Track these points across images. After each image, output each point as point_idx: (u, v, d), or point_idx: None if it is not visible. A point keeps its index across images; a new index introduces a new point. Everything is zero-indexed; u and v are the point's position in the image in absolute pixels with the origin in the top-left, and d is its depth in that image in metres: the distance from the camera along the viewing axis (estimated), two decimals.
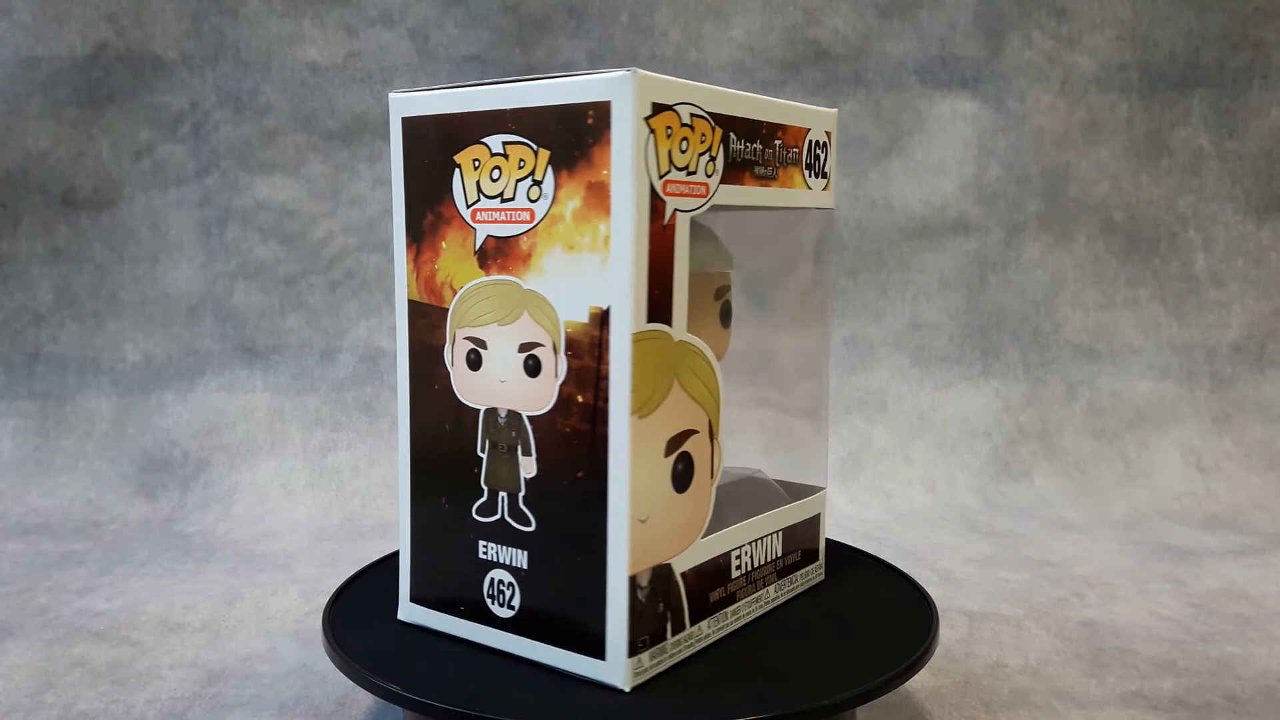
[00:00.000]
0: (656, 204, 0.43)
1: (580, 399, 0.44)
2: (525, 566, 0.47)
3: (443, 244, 0.47)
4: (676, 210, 0.43)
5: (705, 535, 0.47)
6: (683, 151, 0.44)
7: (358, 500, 0.98)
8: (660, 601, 0.45)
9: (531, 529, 0.46)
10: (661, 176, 0.43)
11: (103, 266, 1.05)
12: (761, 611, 0.52)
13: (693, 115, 0.44)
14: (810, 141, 0.52)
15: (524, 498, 0.46)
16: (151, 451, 1.02)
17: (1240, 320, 1.10)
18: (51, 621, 0.71)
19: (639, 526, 0.44)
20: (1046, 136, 1.08)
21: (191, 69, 1.03)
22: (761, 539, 0.52)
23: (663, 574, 0.45)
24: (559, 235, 0.43)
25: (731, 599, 0.50)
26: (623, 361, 0.42)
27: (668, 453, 0.45)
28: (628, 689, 0.44)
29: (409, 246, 0.49)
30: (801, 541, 0.55)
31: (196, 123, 1.04)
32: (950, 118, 1.08)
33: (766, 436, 0.60)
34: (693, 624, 0.47)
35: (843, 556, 0.62)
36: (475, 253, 0.46)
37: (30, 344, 1.05)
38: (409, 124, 0.48)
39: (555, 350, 0.44)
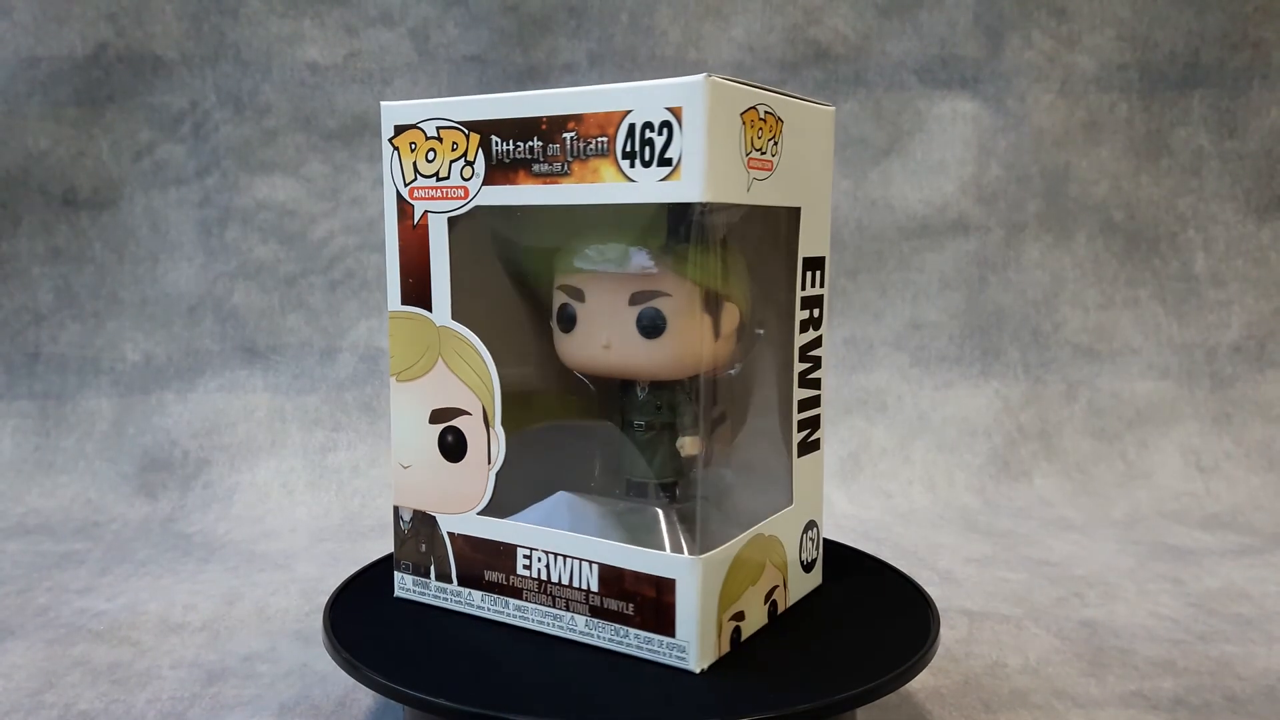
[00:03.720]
0: (405, 207, 0.51)
1: None
2: None
3: None
4: (428, 211, 0.51)
5: (483, 513, 0.52)
6: (429, 160, 0.50)
7: (358, 500, 0.98)
8: (423, 542, 0.54)
9: None
10: (408, 184, 0.51)
11: (103, 266, 1.05)
12: (565, 635, 0.50)
13: (439, 128, 0.50)
14: (629, 125, 0.45)
15: None
16: (152, 451, 1.02)
17: (1240, 320, 1.10)
18: (52, 621, 0.71)
19: (399, 469, 0.54)
20: (1046, 136, 1.08)
21: (191, 69, 1.03)
22: (565, 557, 0.49)
23: (425, 520, 0.54)
24: None
25: (516, 593, 0.51)
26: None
27: (433, 421, 0.52)
28: (393, 595, 0.55)
29: None
30: (636, 596, 0.47)
31: (196, 123, 1.04)
32: (950, 118, 1.08)
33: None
34: (461, 585, 0.53)
35: (842, 556, 0.62)
36: None
37: (30, 344, 1.05)
38: None
39: None
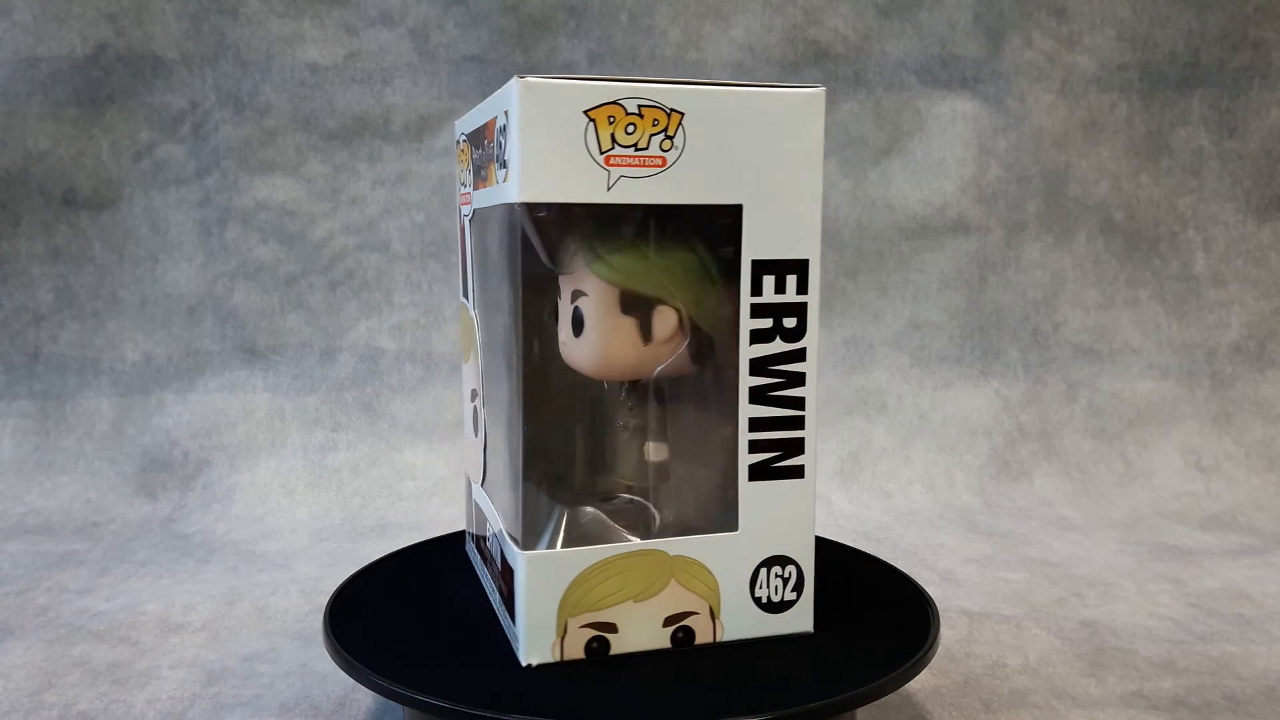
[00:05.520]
0: (459, 211, 0.58)
1: None
2: None
3: None
4: (464, 215, 0.57)
5: (482, 485, 0.56)
6: (463, 170, 0.56)
7: (358, 500, 0.98)
8: (471, 505, 0.60)
9: None
10: (460, 192, 0.58)
11: (103, 266, 1.05)
12: (496, 612, 0.52)
13: (464, 140, 0.56)
14: (498, 130, 0.46)
15: None
16: (151, 451, 1.02)
17: (1240, 320, 1.10)
18: (51, 621, 0.71)
19: (465, 438, 0.61)
20: (1046, 136, 1.08)
21: (191, 69, 1.03)
22: (495, 536, 0.52)
23: (469, 486, 0.61)
24: None
25: (487, 561, 0.55)
26: None
27: (469, 399, 0.59)
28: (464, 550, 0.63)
29: None
30: (507, 581, 0.49)
31: (196, 123, 1.04)
32: (950, 118, 1.08)
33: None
34: (474, 547, 0.59)
35: (843, 556, 0.62)
36: None
37: (30, 344, 1.05)
38: None
39: None
